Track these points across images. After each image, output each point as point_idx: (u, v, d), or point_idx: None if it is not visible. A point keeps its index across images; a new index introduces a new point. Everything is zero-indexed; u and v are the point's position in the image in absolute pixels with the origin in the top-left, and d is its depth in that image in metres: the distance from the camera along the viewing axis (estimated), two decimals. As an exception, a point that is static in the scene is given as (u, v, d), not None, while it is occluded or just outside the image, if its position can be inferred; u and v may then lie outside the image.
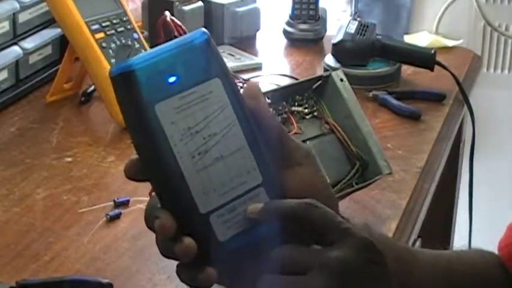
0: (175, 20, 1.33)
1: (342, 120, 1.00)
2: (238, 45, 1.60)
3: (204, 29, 0.65)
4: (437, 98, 1.39)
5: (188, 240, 0.61)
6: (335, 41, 1.44)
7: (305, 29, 1.64)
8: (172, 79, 0.62)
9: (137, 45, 1.31)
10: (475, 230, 1.58)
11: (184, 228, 0.62)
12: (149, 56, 0.62)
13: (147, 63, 0.61)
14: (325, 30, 1.66)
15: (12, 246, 0.97)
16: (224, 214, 0.63)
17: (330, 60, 1.45)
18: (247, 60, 1.53)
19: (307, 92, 1.00)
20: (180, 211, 0.62)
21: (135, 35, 1.32)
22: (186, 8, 1.52)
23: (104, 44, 1.28)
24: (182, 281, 0.62)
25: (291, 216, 0.63)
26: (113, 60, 1.27)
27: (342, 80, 1.00)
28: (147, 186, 0.92)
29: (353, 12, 2.03)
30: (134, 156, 0.63)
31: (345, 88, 1.00)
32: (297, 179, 0.66)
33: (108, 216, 1.02)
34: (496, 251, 0.82)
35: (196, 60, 0.63)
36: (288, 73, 1.49)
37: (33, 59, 1.41)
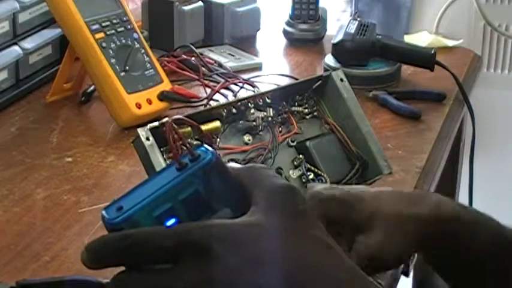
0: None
1: (342, 120, 1.00)
2: (238, 45, 1.60)
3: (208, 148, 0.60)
4: (437, 98, 1.39)
5: None
6: (335, 41, 1.44)
7: (305, 29, 1.64)
8: (170, 222, 0.58)
9: (137, 45, 1.31)
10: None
11: None
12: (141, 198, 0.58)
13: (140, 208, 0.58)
14: (325, 30, 1.66)
15: (12, 246, 0.97)
16: None
17: (330, 60, 1.45)
18: (247, 60, 1.53)
19: (307, 92, 1.00)
20: None
21: (135, 35, 1.32)
22: (186, 8, 1.52)
23: (104, 44, 1.28)
24: None
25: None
26: (113, 60, 1.27)
27: (342, 80, 1.00)
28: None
29: (353, 12, 2.03)
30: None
31: (345, 88, 1.00)
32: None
33: (108, 216, 1.02)
34: None
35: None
36: (288, 73, 1.50)
37: (33, 59, 1.41)
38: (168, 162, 0.88)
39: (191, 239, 0.55)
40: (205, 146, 0.60)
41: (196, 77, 1.41)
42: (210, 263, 0.55)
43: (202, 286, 0.55)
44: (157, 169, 0.87)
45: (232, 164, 0.63)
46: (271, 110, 0.97)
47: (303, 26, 1.64)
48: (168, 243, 0.55)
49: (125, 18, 1.32)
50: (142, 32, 1.37)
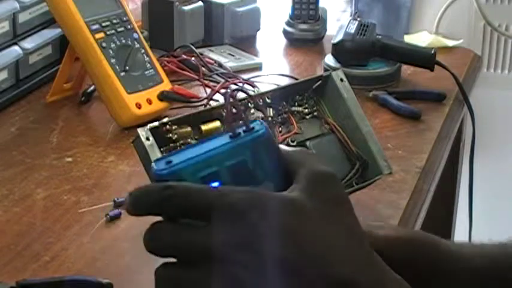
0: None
1: (342, 120, 1.00)
2: (238, 45, 1.60)
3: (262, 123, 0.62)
4: (437, 98, 1.39)
5: None
6: (335, 41, 1.44)
7: (305, 29, 1.64)
8: (214, 185, 0.60)
9: (137, 45, 1.31)
10: (475, 230, 1.58)
11: None
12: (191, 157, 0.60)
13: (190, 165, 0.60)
14: (325, 30, 1.66)
15: (12, 246, 0.97)
16: None
17: (330, 60, 1.45)
18: (247, 60, 1.53)
19: (307, 92, 1.00)
20: None
21: (135, 35, 1.32)
22: (186, 8, 1.52)
23: (104, 44, 1.28)
24: None
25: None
26: (113, 60, 1.27)
27: (342, 80, 1.00)
28: (147, 186, 0.92)
29: (353, 12, 2.03)
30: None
31: (345, 88, 1.00)
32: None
33: (108, 216, 1.02)
34: None
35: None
36: (288, 73, 1.50)
37: (33, 59, 1.41)
38: None
39: (229, 201, 0.57)
40: (261, 120, 0.62)
41: (196, 77, 1.41)
42: (243, 227, 0.56)
43: (232, 249, 0.56)
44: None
45: (283, 146, 0.65)
46: (271, 110, 0.97)
47: (303, 26, 1.64)
48: (206, 200, 0.57)
49: (124, 18, 1.32)
50: (142, 32, 1.37)
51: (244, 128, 0.61)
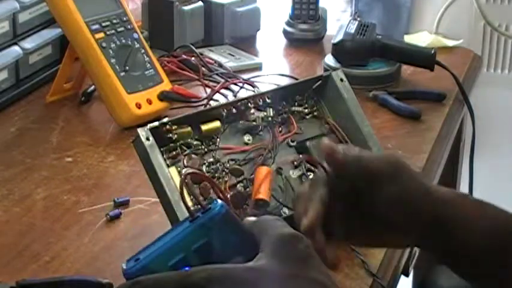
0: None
1: (342, 120, 1.00)
2: (238, 45, 1.60)
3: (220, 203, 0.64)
4: (437, 98, 1.39)
5: None
6: (335, 41, 1.44)
7: (305, 29, 1.64)
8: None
9: (137, 45, 1.31)
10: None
11: None
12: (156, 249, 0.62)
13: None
14: (325, 30, 1.66)
15: (12, 246, 0.97)
16: None
17: (330, 60, 1.45)
18: (247, 60, 1.53)
19: (307, 92, 1.00)
20: None
21: (135, 35, 1.32)
22: (186, 8, 1.52)
23: (104, 44, 1.28)
24: None
25: None
26: (113, 60, 1.27)
27: (342, 80, 1.00)
28: (147, 186, 0.92)
29: (353, 12, 2.03)
30: None
31: (345, 88, 1.00)
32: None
33: (108, 216, 1.02)
34: None
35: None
36: (288, 73, 1.50)
37: (33, 59, 1.41)
38: (168, 162, 0.89)
39: (191, 280, 0.59)
40: (217, 200, 0.64)
41: (196, 77, 1.41)
42: None
43: None
44: (157, 169, 0.87)
45: (248, 218, 0.67)
46: (271, 110, 0.97)
47: (303, 26, 1.64)
48: (171, 285, 0.59)
49: (124, 18, 1.32)
50: (142, 32, 1.37)
51: (201, 210, 0.63)
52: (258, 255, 0.62)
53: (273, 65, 1.53)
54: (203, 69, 1.43)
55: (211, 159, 0.93)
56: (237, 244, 0.63)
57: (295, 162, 0.97)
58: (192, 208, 0.83)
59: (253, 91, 1.37)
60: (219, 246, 0.62)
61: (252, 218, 0.67)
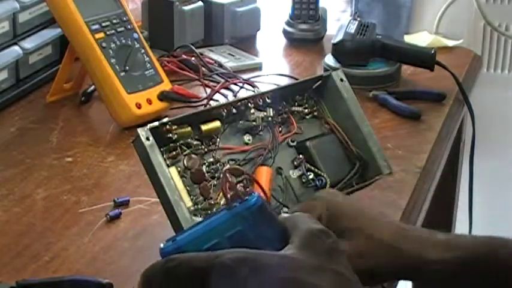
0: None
1: (342, 120, 1.00)
2: (238, 45, 1.60)
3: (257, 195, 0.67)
4: (437, 98, 1.39)
5: None
6: (335, 41, 1.44)
7: (305, 29, 1.64)
8: None
9: (137, 45, 1.31)
10: (475, 230, 1.58)
11: None
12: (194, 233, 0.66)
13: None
14: (325, 30, 1.66)
15: (12, 246, 0.97)
16: None
17: (330, 60, 1.45)
18: (247, 60, 1.53)
19: (307, 92, 1.00)
20: None
21: (135, 35, 1.32)
22: (186, 8, 1.52)
23: (104, 44, 1.28)
24: None
25: None
26: (113, 60, 1.27)
27: (342, 80, 1.00)
28: (147, 186, 0.92)
29: (353, 12, 2.03)
30: None
31: (345, 88, 1.00)
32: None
33: (108, 216, 1.02)
34: None
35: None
36: (288, 73, 1.50)
37: (33, 59, 1.41)
38: (168, 162, 0.89)
39: (221, 260, 0.61)
40: (256, 192, 0.67)
41: (196, 77, 1.41)
42: (235, 283, 0.61)
43: None
44: (157, 169, 0.87)
45: (283, 214, 0.71)
46: (271, 110, 0.97)
47: (303, 26, 1.64)
48: (201, 264, 0.62)
49: (124, 18, 1.32)
50: (142, 32, 1.37)
51: (239, 200, 0.66)
52: (287, 246, 0.64)
53: (273, 65, 1.53)
54: (203, 69, 1.43)
55: (211, 159, 0.93)
56: (269, 236, 0.65)
57: (295, 162, 0.97)
58: (191, 207, 0.85)
59: (253, 91, 1.37)
60: (252, 236, 0.65)
61: (286, 215, 0.70)
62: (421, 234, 0.82)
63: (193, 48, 1.48)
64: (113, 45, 1.28)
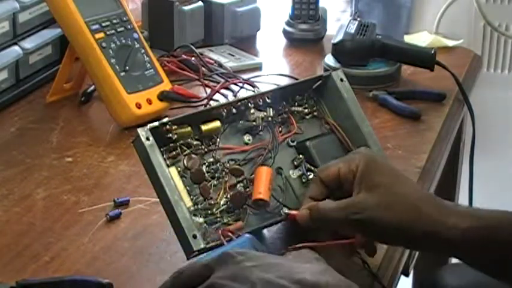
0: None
1: (342, 120, 1.00)
2: (238, 45, 1.60)
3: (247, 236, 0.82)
4: (437, 98, 1.39)
5: None
6: (335, 41, 1.44)
7: (305, 29, 1.64)
8: None
9: (137, 45, 1.31)
10: (475, 230, 1.58)
11: None
12: None
13: None
14: (325, 30, 1.66)
15: (12, 246, 0.97)
16: None
17: (330, 60, 1.45)
18: (247, 60, 1.53)
19: (307, 92, 1.00)
20: None
21: (135, 35, 1.32)
22: (186, 8, 1.52)
23: (104, 44, 1.28)
24: None
25: None
26: (113, 60, 1.27)
27: (342, 80, 1.00)
28: (147, 186, 0.92)
29: (353, 12, 2.03)
30: None
31: (345, 88, 1.00)
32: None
33: (108, 216, 1.02)
34: None
35: None
36: (288, 73, 1.49)
37: (33, 59, 1.41)
38: (168, 162, 0.89)
39: (227, 251, 0.75)
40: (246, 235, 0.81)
41: (196, 77, 1.41)
42: (234, 265, 0.74)
43: (226, 280, 0.73)
44: (157, 169, 0.87)
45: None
46: (271, 110, 0.97)
47: (303, 26, 1.64)
48: (201, 266, 0.76)
49: (124, 18, 1.32)
50: (142, 32, 1.37)
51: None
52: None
53: (273, 65, 1.53)
54: (203, 69, 1.43)
55: (211, 159, 0.93)
56: None
57: (295, 162, 0.97)
58: (191, 207, 0.86)
59: (253, 91, 1.37)
60: None
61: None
62: (446, 203, 0.86)
63: (193, 48, 1.48)
64: (113, 45, 1.28)
